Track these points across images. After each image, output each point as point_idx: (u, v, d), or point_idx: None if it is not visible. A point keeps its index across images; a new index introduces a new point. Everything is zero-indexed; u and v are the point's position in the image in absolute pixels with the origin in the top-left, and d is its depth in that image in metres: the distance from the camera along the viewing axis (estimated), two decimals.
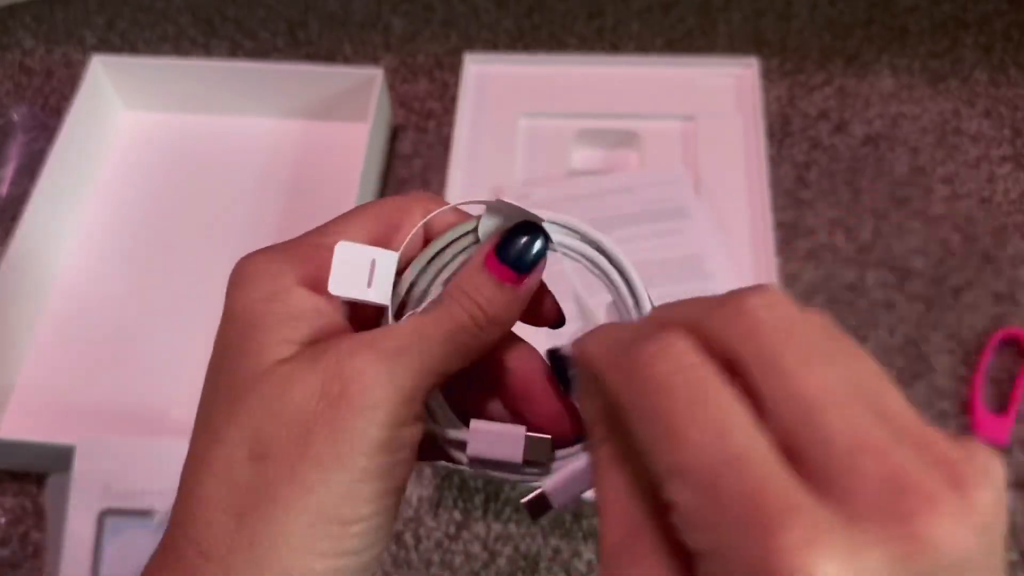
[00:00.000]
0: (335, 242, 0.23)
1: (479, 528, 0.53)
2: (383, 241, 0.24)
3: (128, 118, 0.69)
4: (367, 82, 0.64)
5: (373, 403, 0.20)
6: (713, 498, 0.15)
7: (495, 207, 0.24)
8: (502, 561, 0.52)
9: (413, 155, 0.68)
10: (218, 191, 0.65)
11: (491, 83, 0.65)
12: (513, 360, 0.25)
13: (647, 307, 0.25)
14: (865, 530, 0.14)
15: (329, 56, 0.74)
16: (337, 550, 0.20)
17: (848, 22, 0.75)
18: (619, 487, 0.18)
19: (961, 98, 0.70)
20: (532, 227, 0.23)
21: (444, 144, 0.68)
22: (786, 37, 0.74)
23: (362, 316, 0.24)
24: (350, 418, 0.20)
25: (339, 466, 0.20)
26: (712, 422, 0.16)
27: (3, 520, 0.54)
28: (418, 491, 0.54)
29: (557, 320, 0.26)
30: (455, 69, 0.71)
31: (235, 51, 0.75)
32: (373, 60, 0.74)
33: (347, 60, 0.74)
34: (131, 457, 0.50)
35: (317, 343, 0.22)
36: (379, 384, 0.21)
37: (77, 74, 0.72)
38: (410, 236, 0.24)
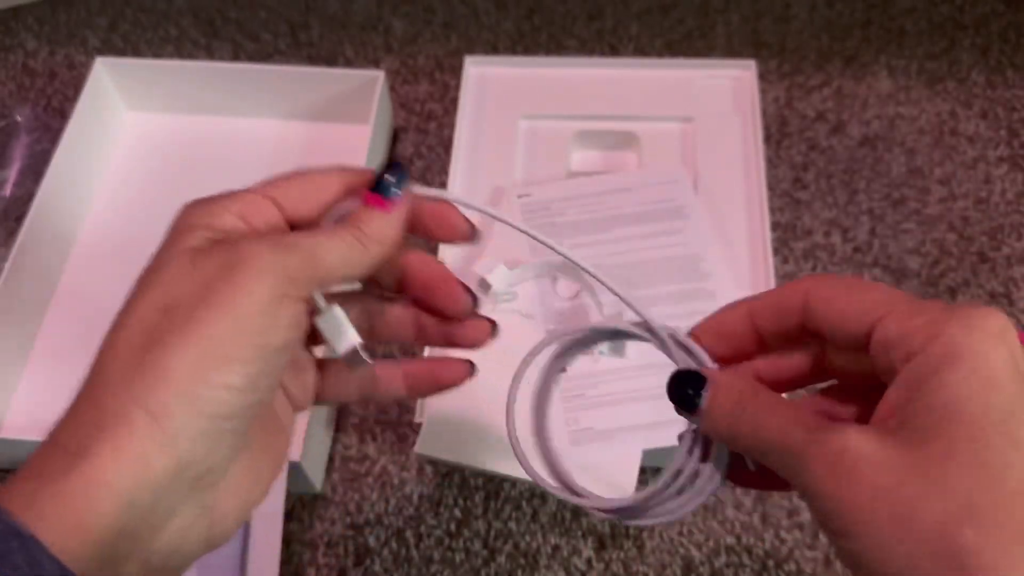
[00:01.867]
0: (267, 194, 0.30)
1: (479, 526, 0.53)
2: (306, 203, 0.30)
3: (131, 119, 0.69)
4: (368, 84, 0.65)
5: (261, 270, 0.25)
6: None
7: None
8: (502, 559, 0.52)
9: (414, 156, 0.69)
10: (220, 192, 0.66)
11: (491, 85, 0.66)
12: (412, 262, 0.32)
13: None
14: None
15: (330, 58, 0.75)
16: (221, 382, 0.24)
17: (846, 24, 0.75)
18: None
19: (958, 99, 0.70)
20: (395, 166, 0.29)
21: (445, 145, 0.68)
22: (784, 39, 0.74)
23: None
24: (242, 278, 0.25)
25: (229, 313, 0.24)
26: None
27: None
28: (419, 489, 0.55)
29: (467, 235, 0.32)
30: (456, 71, 0.72)
31: (237, 53, 0.75)
32: (374, 62, 0.74)
33: (348, 62, 0.74)
34: None
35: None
36: (270, 261, 0.26)
37: (80, 76, 0.73)
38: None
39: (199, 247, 0.27)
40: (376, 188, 0.29)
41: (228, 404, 0.25)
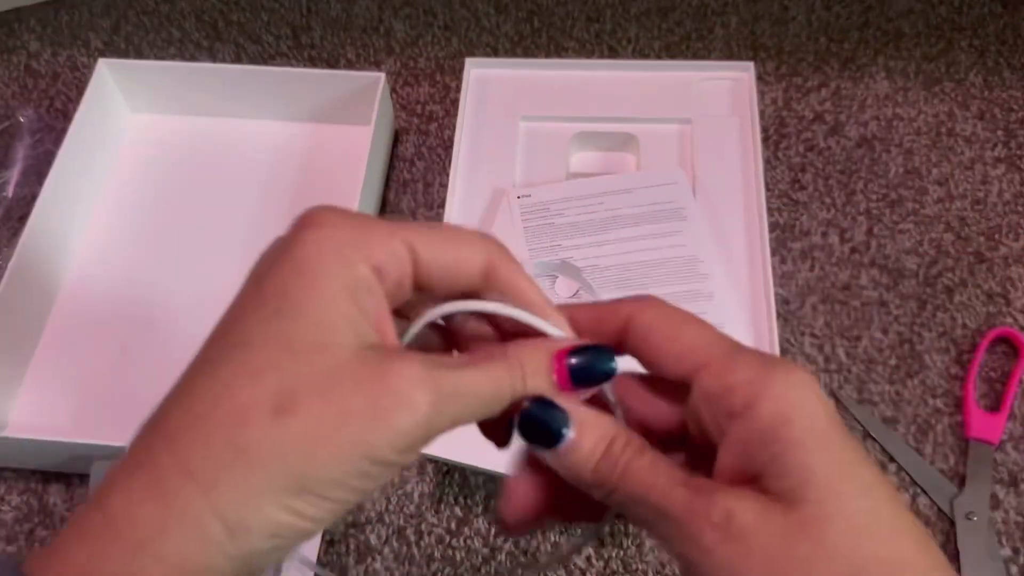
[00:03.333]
0: (403, 236, 0.24)
1: (480, 524, 0.54)
2: (439, 258, 0.25)
3: (133, 121, 0.70)
4: (370, 86, 0.65)
5: (405, 428, 0.22)
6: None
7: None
8: (503, 557, 0.53)
9: (415, 158, 0.69)
10: (223, 193, 0.66)
11: (492, 87, 0.66)
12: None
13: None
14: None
15: (332, 60, 0.75)
16: (309, 515, 0.21)
17: (844, 26, 0.76)
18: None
19: (955, 100, 0.71)
20: (609, 354, 0.25)
21: (445, 147, 0.69)
22: (782, 41, 0.75)
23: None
24: (375, 424, 0.21)
25: (348, 455, 0.21)
26: None
27: (9, 518, 0.55)
28: (420, 487, 0.55)
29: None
30: (456, 73, 0.72)
31: (239, 55, 0.75)
32: (375, 64, 0.75)
33: (350, 64, 0.75)
34: None
35: (376, 346, 0.23)
36: (417, 412, 0.22)
37: (83, 77, 0.73)
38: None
39: (337, 327, 0.22)
40: (575, 364, 0.25)
41: (305, 533, 0.22)
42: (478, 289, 0.25)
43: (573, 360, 0.25)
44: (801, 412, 0.23)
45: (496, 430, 0.27)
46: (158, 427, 0.22)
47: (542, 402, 0.25)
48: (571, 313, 0.26)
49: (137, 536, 0.20)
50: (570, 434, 0.24)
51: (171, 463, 0.21)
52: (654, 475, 0.24)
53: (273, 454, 0.21)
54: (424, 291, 0.25)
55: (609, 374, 0.25)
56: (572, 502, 0.27)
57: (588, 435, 0.24)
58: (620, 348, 0.26)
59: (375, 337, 0.23)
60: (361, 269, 0.23)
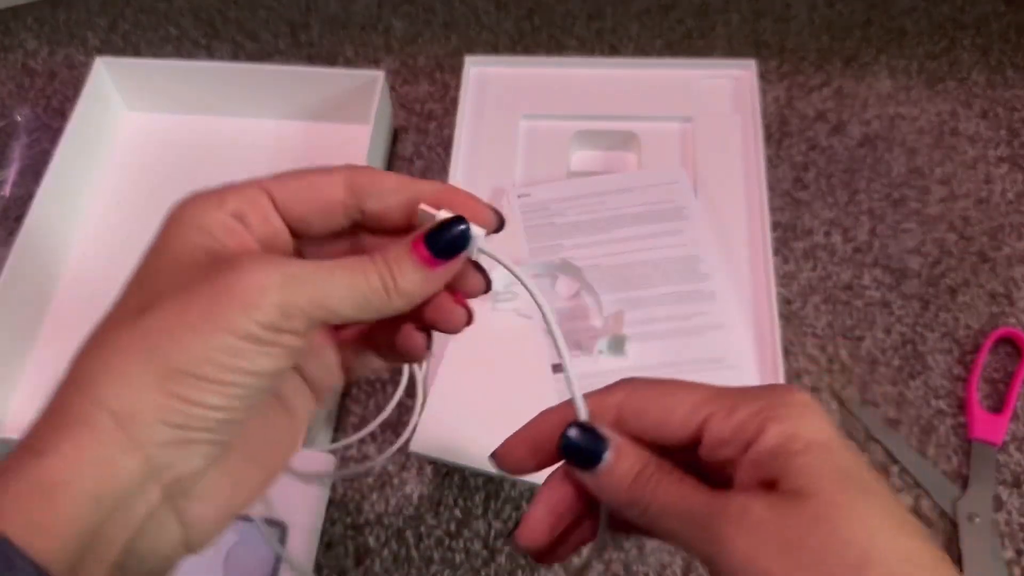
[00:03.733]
0: (256, 185, 0.28)
1: (479, 526, 0.53)
2: (304, 203, 0.28)
3: (131, 119, 0.69)
4: (368, 84, 0.65)
5: (256, 303, 0.24)
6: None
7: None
8: (502, 559, 0.52)
9: (414, 156, 0.69)
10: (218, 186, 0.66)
11: (491, 85, 0.66)
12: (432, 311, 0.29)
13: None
14: None
15: (330, 58, 0.75)
16: (191, 399, 0.23)
17: (846, 24, 0.75)
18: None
19: (958, 99, 0.70)
20: (461, 222, 0.26)
21: (445, 145, 0.68)
22: (784, 39, 0.74)
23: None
24: (224, 303, 0.24)
25: (210, 337, 0.23)
26: None
27: None
28: (419, 489, 0.54)
29: (482, 291, 0.29)
30: (456, 71, 0.72)
31: (237, 53, 0.75)
32: (374, 62, 0.74)
33: (348, 62, 0.74)
34: None
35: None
36: (269, 293, 0.24)
37: (80, 75, 0.73)
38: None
39: (193, 253, 0.25)
40: (432, 238, 0.26)
41: (198, 419, 0.24)
42: (348, 211, 0.28)
43: (428, 233, 0.26)
44: (805, 427, 0.25)
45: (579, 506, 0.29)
46: (67, 376, 0.25)
47: (584, 428, 0.27)
48: (561, 411, 0.28)
49: (38, 446, 0.23)
50: (609, 456, 0.27)
51: (68, 382, 0.24)
52: (681, 489, 0.26)
53: (139, 344, 0.23)
54: (301, 232, 0.28)
55: (464, 237, 0.26)
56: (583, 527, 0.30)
57: (624, 458, 0.27)
58: (618, 432, 0.28)
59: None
60: (215, 215, 0.26)
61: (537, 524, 0.29)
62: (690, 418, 0.26)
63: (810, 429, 0.25)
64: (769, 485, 0.25)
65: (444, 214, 0.27)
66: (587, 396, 0.28)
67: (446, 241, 0.26)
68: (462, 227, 0.26)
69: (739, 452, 0.26)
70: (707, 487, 0.26)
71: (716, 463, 0.26)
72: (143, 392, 0.23)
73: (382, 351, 0.31)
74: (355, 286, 0.25)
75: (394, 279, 0.26)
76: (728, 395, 0.27)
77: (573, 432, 0.27)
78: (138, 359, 0.23)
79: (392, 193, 0.28)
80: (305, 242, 0.29)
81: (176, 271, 0.25)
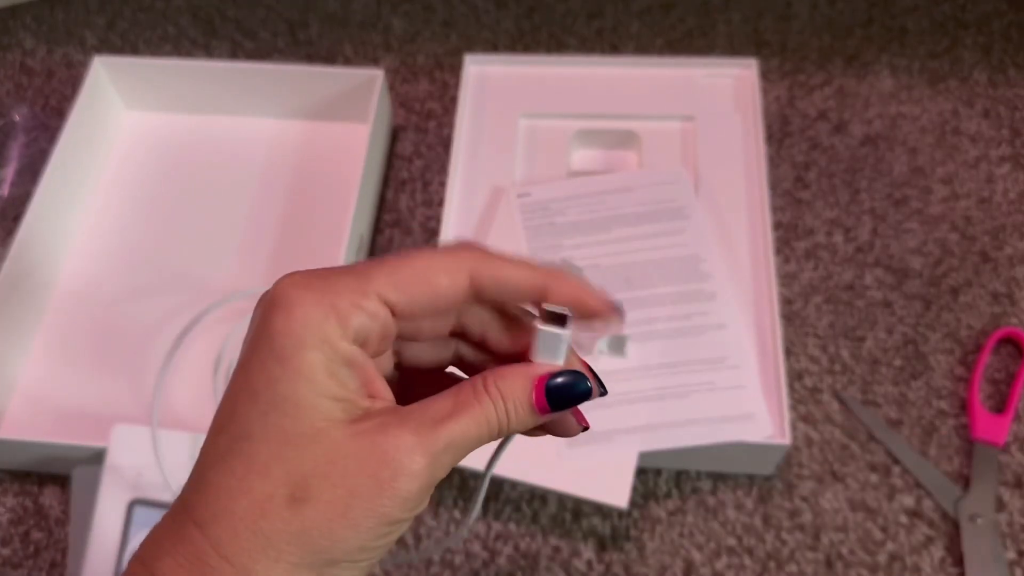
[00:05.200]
0: (374, 292, 0.25)
1: (479, 527, 0.53)
2: (418, 299, 0.25)
3: (129, 118, 0.69)
4: (367, 83, 0.64)
5: (406, 493, 0.24)
6: None
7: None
8: (502, 560, 0.52)
9: (413, 155, 0.69)
10: (219, 191, 0.65)
11: (491, 84, 0.66)
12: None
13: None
14: None
15: (329, 57, 0.74)
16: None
17: (848, 22, 0.75)
18: None
19: (960, 98, 0.70)
20: (585, 382, 0.26)
21: (444, 144, 0.68)
22: (786, 38, 0.74)
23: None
24: (387, 498, 0.24)
25: (368, 527, 0.23)
26: None
27: (4, 520, 0.54)
28: None
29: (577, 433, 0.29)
30: (455, 70, 0.72)
31: (235, 52, 0.75)
32: (373, 61, 0.74)
33: (347, 61, 0.74)
34: (165, 449, 0.51)
35: (366, 416, 0.25)
36: (416, 476, 0.24)
37: (78, 75, 0.73)
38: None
39: (323, 401, 0.24)
40: (554, 392, 0.26)
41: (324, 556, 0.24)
42: (465, 305, 0.27)
43: (551, 386, 0.26)
44: None
45: None
46: (187, 514, 0.24)
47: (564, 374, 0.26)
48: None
49: None
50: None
51: (208, 546, 0.23)
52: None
53: (295, 538, 0.23)
54: (406, 324, 0.26)
55: (585, 395, 0.26)
56: None
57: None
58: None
59: (365, 404, 0.25)
60: (340, 346, 0.24)
61: None
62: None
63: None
64: None
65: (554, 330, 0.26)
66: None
67: (568, 398, 0.26)
68: (585, 388, 0.26)
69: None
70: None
71: None
72: (271, 539, 0.23)
73: None
74: (479, 432, 0.25)
75: (509, 421, 0.26)
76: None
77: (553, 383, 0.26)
78: (290, 553, 0.23)
79: (517, 291, 0.26)
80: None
81: (312, 416, 0.24)
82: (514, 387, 0.26)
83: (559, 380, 0.26)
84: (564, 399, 0.26)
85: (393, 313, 0.25)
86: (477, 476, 0.54)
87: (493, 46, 0.74)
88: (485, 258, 0.26)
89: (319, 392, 0.24)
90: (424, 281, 0.25)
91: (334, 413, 0.24)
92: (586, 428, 0.29)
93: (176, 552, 0.23)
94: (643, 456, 0.50)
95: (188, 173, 0.67)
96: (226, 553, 0.23)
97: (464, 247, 0.26)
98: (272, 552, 0.23)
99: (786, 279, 0.61)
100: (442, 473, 0.25)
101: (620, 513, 0.53)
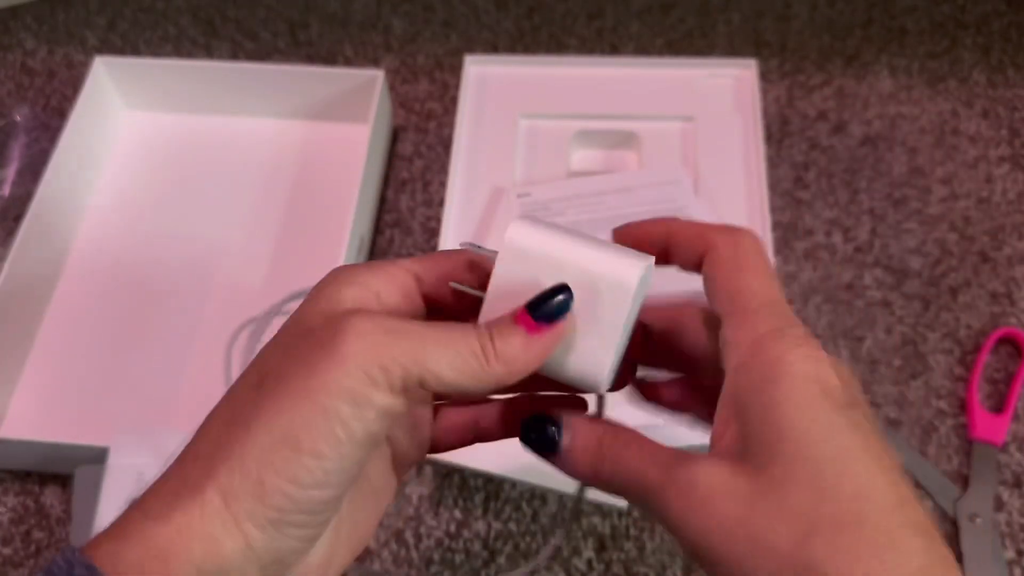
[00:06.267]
0: (409, 271, 0.27)
1: (479, 526, 0.53)
2: (447, 278, 0.28)
3: (130, 119, 0.69)
4: (368, 83, 0.65)
5: (354, 354, 0.23)
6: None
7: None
8: (502, 560, 0.52)
9: (414, 156, 0.69)
10: (220, 191, 0.66)
11: (491, 84, 0.66)
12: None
13: None
14: None
15: (330, 57, 0.74)
16: (287, 473, 0.23)
17: (847, 23, 0.75)
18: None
19: (959, 99, 0.70)
20: (563, 290, 0.26)
21: (444, 145, 0.68)
22: (785, 38, 0.74)
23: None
24: (331, 361, 0.23)
25: (308, 397, 0.23)
26: None
27: (6, 519, 0.54)
28: (419, 490, 0.54)
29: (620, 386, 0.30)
30: (455, 70, 0.72)
31: (236, 52, 0.75)
32: (374, 61, 0.74)
33: (348, 61, 0.74)
34: (167, 448, 0.51)
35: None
36: (368, 345, 0.23)
37: (79, 75, 0.73)
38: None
39: (313, 320, 0.25)
40: (532, 306, 0.26)
41: (295, 499, 0.24)
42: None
43: (532, 299, 0.26)
44: (793, 374, 0.24)
45: None
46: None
47: (536, 419, 0.28)
48: (669, 225, 0.30)
49: (155, 510, 0.24)
50: (564, 438, 0.27)
51: (192, 450, 0.25)
52: (639, 457, 0.26)
53: (252, 419, 0.24)
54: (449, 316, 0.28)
55: (567, 302, 0.26)
56: None
57: (578, 437, 0.27)
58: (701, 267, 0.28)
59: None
60: (351, 290, 0.26)
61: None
62: (734, 300, 0.27)
63: (799, 377, 0.24)
64: (739, 432, 0.24)
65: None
66: (698, 224, 0.29)
67: (548, 306, 0.26)
68: (564, 294, 0.26)
69: (730, 367, 0.25)
70: (669, 452, 0.25)
71: (716, 360, 0.27)
72: (246, 470, 0.23)
73: (486, 433, 0.31)
74: (454, 346, 0.25)
75: (494, 343, 0.25)
76: (762, 306, 0.26)
77: (528, 426, 0.28)
78: (247, 436, 0.24)
79: None
80: None
81: (293, 338, 0.25)
82: (497, 314, 0.26)
83: (539, 293, 0.26)
84: (545, 306, 0.26)
85: (419, 281, 0.27)
86: (477, 475, 0.54)
87: (493, 46, 0.75)
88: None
89: (316, 312, 0.25)
90: (449, 258, 0.28)
91: (317, 320, 0.25)
92: (624, 383, 0.30)
93: (165, 478, 0.25)
94: None
95: (188, 173, 0.67)
96: (196, 451, 0.24)
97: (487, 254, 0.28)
98: (228, 439, 0.24)
99: (786, 279, 0.62)
100: (399, 354, 0.24)
101: (620, 513, 0.53)
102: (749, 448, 0.24)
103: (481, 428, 0.31)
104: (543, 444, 0.27)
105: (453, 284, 0.27)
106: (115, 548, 0.23)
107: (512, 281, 0.27)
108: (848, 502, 0.22)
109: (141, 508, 0.24)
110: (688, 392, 0.31)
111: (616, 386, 0.29)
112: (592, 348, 0.27)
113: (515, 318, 0.26)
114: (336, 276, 0.26)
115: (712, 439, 0.26)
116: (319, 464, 0.23)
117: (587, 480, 0.27)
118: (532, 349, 0.26)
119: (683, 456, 0.25)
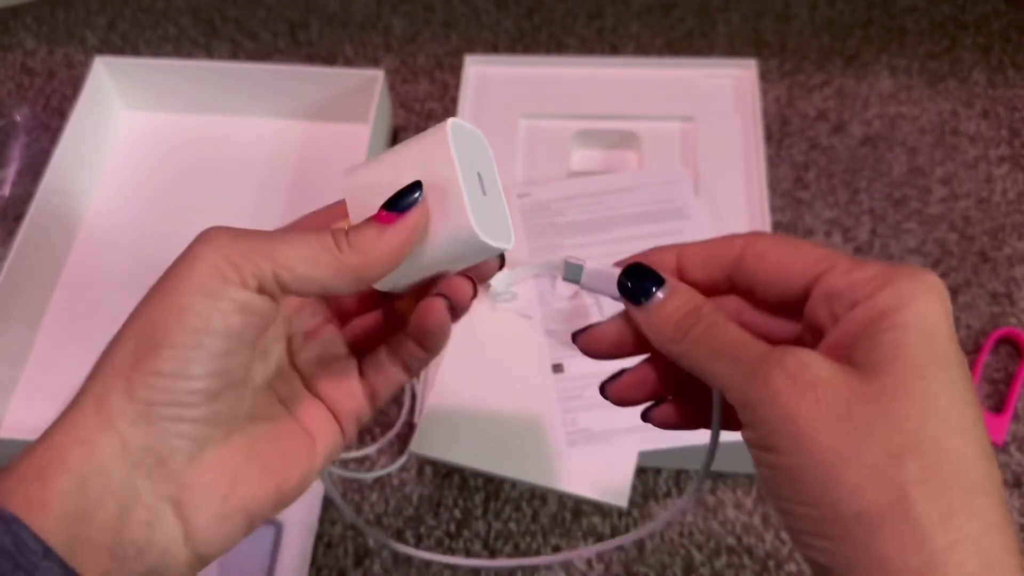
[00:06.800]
0: (283, 250, 0.26)
1: (479, 527, 0.53)
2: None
3: (130, 118, 0.69)
4: (368, 83, 0.65)
5: (203, 253, 0.25)
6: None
7: None
8: (502, 559, 0.52)
9: None
10: (219, 192, 0.66)
11: (491, 84, 0.66)
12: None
13: None
14: None
15: (330, 57, 0.74)
16: (149, 366, 0.24)
17: (847, 23, 0.75)
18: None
19: (959, 99, 0.70)
20: (416, 187, 0.27)
21: None
22: (785, 38, 0.74)
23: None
24: (184, 262, 0.25)
25: (164, 297, 0.25)
26: None
27: None
28: (418, 490, 0.54)
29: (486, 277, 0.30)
30: (455, 70, 0.72)
31: (236, 52, 0.75)
32: (374, 61, 0.74)
33: (348, 61, 0.74)
34: None
35: None
36: (216, 245, 0.25)
37: (79, 75, 0.73)
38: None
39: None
40: (387, 204, 0.27)
41: (160, 389, 0.24)
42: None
43: (386, 203, 0.27)
44: (916, 304, 0.23)
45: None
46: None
47: (642, 267, 0.28)
48: (683, 250, 0.28)
49: (42, 437, 0.25)
50: (660, 294, 0.27)
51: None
52: (736, 334, 0.25)
53: (124, 330, 0.26)
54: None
55: (414, 193, 0.27)
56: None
57: (676, 296, 0.27)
58: (734, 277, 0.28)
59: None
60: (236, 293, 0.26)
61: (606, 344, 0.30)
62: (811, 267, 0.26)
63: (922, 307, 0.23)
64: (849, 351, 0.24)
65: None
66: (713, 239, 0.28)
67: (398, 197, 0.27)
68: (417, 187, 0.27)
69: (845, 310, 0.24)
70: (761, 341, 0.25)
71: (816, 324, 0.25)
72: (115, 373, 0.25)
73: (401, 352, 0.31)
74: (306, 242, 0.26)
75: (348, 236, 0.26)
76: (856, 259, 0.26)
77: (627, 272, 0.28)
78: (115, 346, 0.25)
79: None
80: None
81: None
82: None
83: (392, 194, 0.27)
84: (394, 201, 0.26)
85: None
86: (477, 475, 0.54)
87: (493, 47, 0.75)
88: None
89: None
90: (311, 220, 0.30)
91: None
92: (502, 263, 0.30)
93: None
94: (643, 455, 0.50)
95: (188, 173, 0.67)
96: (84, 382, 0.26)
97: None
98: (106, 352, 0.26)
99: None
100: (246, 249, 0.25)
101: (620, 512, 0.53)
102: (859, 359, 0.23)
103: (397, 344, 0.31)
104: (637, 292, 0.27)
105: (333, 228, 0.28)
106: (3, 475, 0.24)
107: (366, 201, 0.27)
108: (952, 433, 0.22)
109: (36, 441, 0.25)
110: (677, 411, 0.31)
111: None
112: (447, 213, 0.27)
113: (372, 218, 0.27)
114: (209, 271, 0.27)
115: (803, 342, 0.25)
116: (176, 353, 0.24)
117: (664, 340, 0.27)
118: (385, 236, 0.26)
119: (781, 345, 0.24)
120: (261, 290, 0.25)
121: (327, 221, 0.29)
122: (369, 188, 0.27)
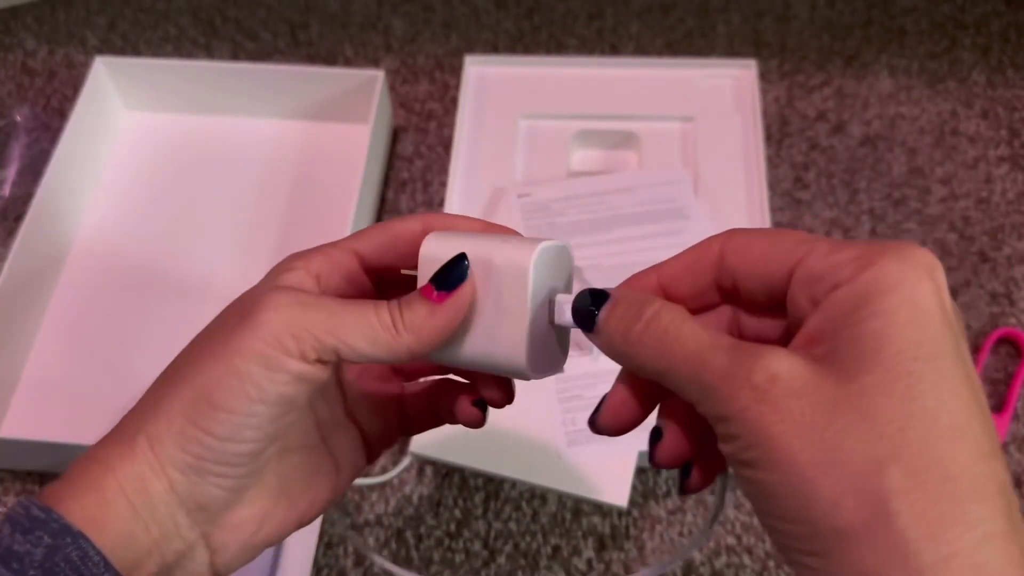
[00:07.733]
0: (351, 250, 0.29)
1: (479, 526, 0.53)
2: (387, 250, 0.29)
3: (130, 119, 0.69)
4: (368, 83, 0.65)
5: (267, 321, 0.25)
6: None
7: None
8: (502, 559, 0.52)
9: (414, 156, 0.69)
10: (220, 192, 0.66)
11: (491, 84, 0.66)
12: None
13: None
14: None
15: (330, 57, 0.74)
16: (203, 425, 0.25)
17: (847, 23, 0.75)
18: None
19: (959, 99, 0.70)
20: (462, 259, 0.27)
21: (445, 145, 0.68)
22: (785, 38, 0.74)
23: None
24: (241, 329, 0.26)
25: (223, 359, 0.25)
26: None
27: None
28: (418, 490, 0.54)
29: (503, 402, 0.30)
30: (456, 70, 0.72)
31: (236, 52, 0.75)
32: (374, 62, 0.74)
33: (348, 62, 0.74)
34: None
35: None
36: (280, 315, 0.25)
37: (79, 75, 0.73)
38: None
39: (244, 300, 0.28)
40: (434, 278, 0.27)
41: (211, 449, 0.26)
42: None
43: (434, 275, 0.27)
44: (903, 287, 0.21)
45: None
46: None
47: (589, 291, 0.27)
48: (661, 269, 0.27)
49: (99, 457, 0.27)
50: (602, 313, 0.26)
51: (135, 407, 0.28)
52: (695, 340, 0.23)
53: (174, 375, 0.27)
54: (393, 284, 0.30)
55: (464, 269, 0.27)
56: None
57: (618, 306, 0.26)
58: (719, 281, 0.26)
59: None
60: (290, 274, 0.28)
61: (615, 407, 0.28)
62: (792, 252, 0.24)
63: (908, 294, 0.21)
64: (830, 343, 0.22)
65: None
66: (689, 248, 0.27)
67: (446, 275, 0.27)
68: (464, 263, 0.27)
69: (824, 293, 0.22)
70: (730, 339, 0.23)
71: (797, 312, 0.24)
72: (170, 421, 0.26)
73: (443, 415, 0.32)
74: (366, 318, 0.26)
75: (402, 314, 0.27)
76: (836, 241, 0.23)
77: (578, 298, 0.27)
78: (171, 390, 0.26)
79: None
80: None
81: (229, 312, 0.28)
82: (410, 294, 0.27)
83: (439, 267, 0.27)
84: (445, 274, 0.27)
85: (361, 258, 0.29)
86: (477, 475, 0.54)
87: (493, 47, 0.75)
88: (437, 214, 0.30)
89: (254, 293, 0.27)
90: (383, 230, 0.29)
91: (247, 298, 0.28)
92: (510, 399, 0.30)
93: (111, 432, 0.27)
94: (643, 455, 0.50)
95: (189, 173, 0.67)
96: (139, 404, 0.27)
97: (421, 213, 0.31)
98: (155, 394, 0.27)
99: None
100: (310, 324, 0.25)
101: (620, 512, 0.53)
102: (839, 352, 0.21)
103: (439, 406, 0.32)
104: (587, 318, 0.26)
105: (404, 271, 0.29)
106: (62, 488, 0.26)
107: (433, 271, 0.28)
108: (940, 435, 0.20)
109: (86, 457, 0.27)
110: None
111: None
112: (506, 331, 0.27)
113: (421, 291, 0.27)
114: (284, 261, 0.29)
115: (794, 347, 0.23)
116: (231, 418, 0.25)
117: (622, 355, 0.25)
118: (436, 317, 0.27)
119: (751, 346, 0.23)
120: (319, 361, 0.26)
121: (392, 241, 0.29)
122: (441, 261, 0.28)
